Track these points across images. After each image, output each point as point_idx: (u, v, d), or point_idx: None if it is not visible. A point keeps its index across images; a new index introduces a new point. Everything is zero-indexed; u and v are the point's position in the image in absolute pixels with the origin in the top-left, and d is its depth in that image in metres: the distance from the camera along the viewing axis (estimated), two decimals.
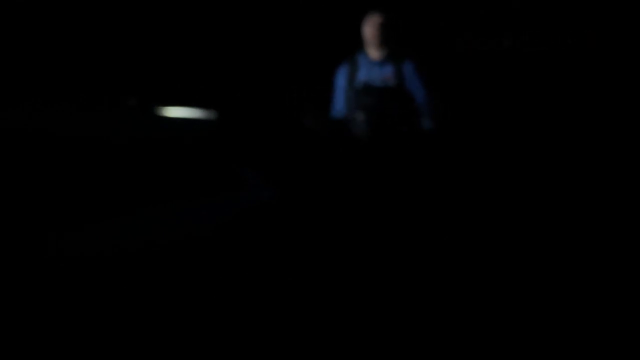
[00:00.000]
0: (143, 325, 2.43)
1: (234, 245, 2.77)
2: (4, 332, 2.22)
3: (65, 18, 4.84)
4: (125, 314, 2.39)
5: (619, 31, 5.10)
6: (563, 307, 3.33)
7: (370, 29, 4.19)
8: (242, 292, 2.69)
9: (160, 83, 4.93)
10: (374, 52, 4.21)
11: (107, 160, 2.78)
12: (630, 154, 4.83)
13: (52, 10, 4.81)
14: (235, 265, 2.72)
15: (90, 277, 2.39)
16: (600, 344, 3.01)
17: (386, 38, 4.17)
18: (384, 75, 4.18)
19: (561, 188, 4.67)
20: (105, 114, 3.28)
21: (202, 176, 2.94)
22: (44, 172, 2.63)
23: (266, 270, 2.80)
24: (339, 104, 4.25)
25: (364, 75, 4.19)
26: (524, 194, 4.61)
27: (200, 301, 2.58)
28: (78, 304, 2.33)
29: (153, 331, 2.44)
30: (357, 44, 4.26)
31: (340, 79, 4.27)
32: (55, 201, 2.54)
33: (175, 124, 3.30)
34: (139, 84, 4.87)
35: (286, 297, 2.83)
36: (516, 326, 3.15)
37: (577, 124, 5.01)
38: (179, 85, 4.96)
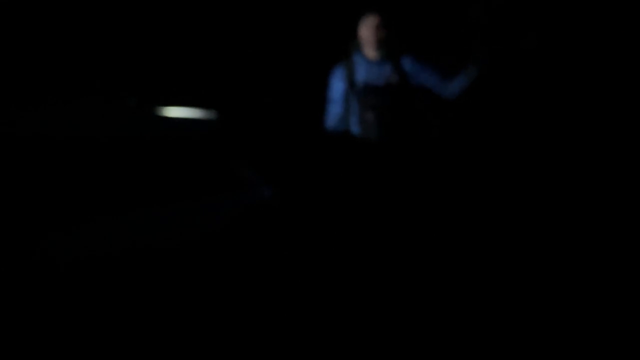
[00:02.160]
0: (141, 325, 2.43)
1: (234, 244, 2.77)
2: (4, 333, 2.22)
3: (65, 17, 4.85)
4: (123, 314, 2.40)
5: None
6: (563, 307, 3.33)
7: (367, 30, 4.15)
8: (241, 291, 2.69)
9: (160, 83, 4.93)
10: (371, 52, 4.17)
11: (107, 160, 2.78)
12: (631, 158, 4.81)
13: (51, 10, 4.81)
14: (235, 265, 2.72)
15: (89, 277, 2.39)
16: (600, 344, 3.01)
17: (383, 38, 4.15)
18: (384, 74, 4.14)
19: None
20: (105, 114, 3.28)
21: (201, 176, 2.95)
22: (43, 173, 2.64)
23: (266, 269, 2.80)
24: (337, 107, 4.17)
25: (362, 75, 4.13)
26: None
27: (200, 301, 2.58)
28: (76, 302, 2.33)
29: (151, 331, 2.44)
30: (344, 44, 4.24)
31: (337, 82, 4.19)
32: (49, 201, 2.55)
33: (175, 123, 3.30)
34: (139, 84, 4.86)
35: (285, 296, 2.84)
36: (516, 326, 3.16)
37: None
38: (179, 85, 4.96)
